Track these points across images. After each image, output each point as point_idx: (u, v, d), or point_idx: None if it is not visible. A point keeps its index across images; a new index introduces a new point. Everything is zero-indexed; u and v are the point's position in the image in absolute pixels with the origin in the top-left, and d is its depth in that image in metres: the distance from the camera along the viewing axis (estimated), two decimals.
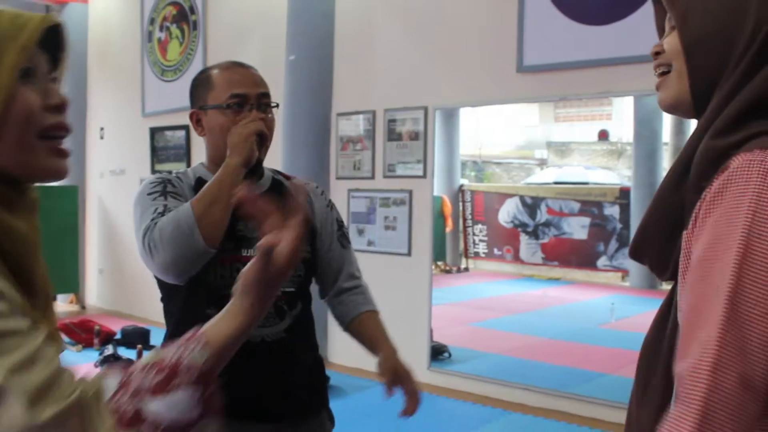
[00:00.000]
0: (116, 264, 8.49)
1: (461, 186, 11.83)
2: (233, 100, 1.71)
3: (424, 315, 5.19)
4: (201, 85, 1.79)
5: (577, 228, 10.17)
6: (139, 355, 5.67)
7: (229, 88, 1.72)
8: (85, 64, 8.95)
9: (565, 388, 4.68)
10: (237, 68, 1.79)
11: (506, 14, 4.75)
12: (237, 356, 1.58)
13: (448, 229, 11.51)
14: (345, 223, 2.02)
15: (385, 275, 5.12)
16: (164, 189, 1.71)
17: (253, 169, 1.76)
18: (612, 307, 7.48)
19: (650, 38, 1.17)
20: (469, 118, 12.00)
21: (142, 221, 1.67)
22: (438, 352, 5.56)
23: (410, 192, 5.40)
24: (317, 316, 1.91)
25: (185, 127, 7.40)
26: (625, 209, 9.77)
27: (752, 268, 0.84)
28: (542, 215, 10.61)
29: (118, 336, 6.56)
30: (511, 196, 11.21)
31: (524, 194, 11.07)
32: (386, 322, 5.67)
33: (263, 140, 1.72)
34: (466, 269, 11.92)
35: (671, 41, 1.06)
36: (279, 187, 1.83)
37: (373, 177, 5.65)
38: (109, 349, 5.92)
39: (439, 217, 10.86)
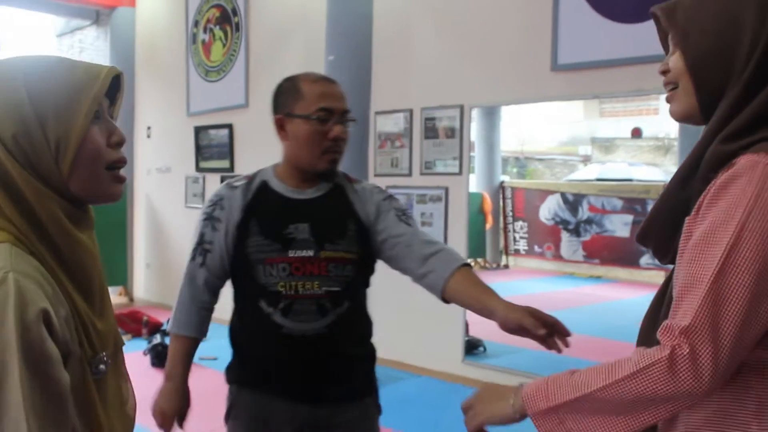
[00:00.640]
0: (162, 258, 8.74)
1: (502, 182, 11.79)
2: (320, 113, 1.84)
3: (458, 309, 5.25)
4: (289, 93, 1.90)
5: (620, 225, 10.08)
6: None
7: (318, 101, 1.85)
8: (132, 65, 9.19)
9: None
10: (326, 83, 1.91)
11: (541, 13, 4.81)
12: (281, 347, 1.82)
13: (488, 225, 11.48)
14: None
15: None
16: (212, 213, 1.92)
17: (324, 176, 1.93)
18: None
19: None
20: (511, 114, 11.96)
21: (193, 242, 1.97)
22: (473, 347, 5.64)
23: (446, 189, 5.49)
24: None
25: (228, 126, 7.60)
26: None
27: (739, 256, 0.96)
28: (584, 212, 10.54)
29: (164, 326, 6.78)
30: (552, 192, 11.14)
31: (565, 191, 10.99)
32: (422, 316, 5.78)
33: (341, 150, 1.89)
34: (506, 266, 11.89)
35: (675, 60, 1.14)
36: (337, 191, 1.95)
37: (410, 174, 5.75)
38: (157, 339, 6.13)
39: (479, 214, 10.86)
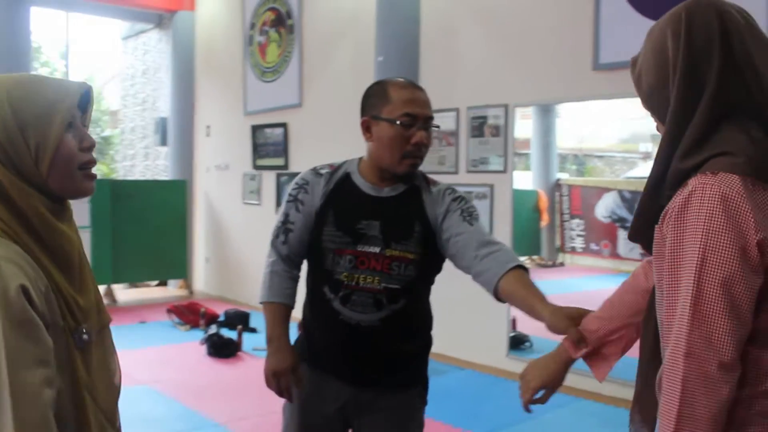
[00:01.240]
0: (221, 253, 9.04)
1: (558, 180, 11.73)
2: (405, 119, 1.92)
3: (503, 306, 5.34)
4: (377, 96, 1.99)
5: None
6: (240, 335, 6.13)
7: (404, 106, 1.93)
8: (192, 66, 9.52)
9: None
10: (413, 89, 1.99)
11: (582, 13, 4.88)
12: (340, 333, 2.00)
13: (544, 223, 11.44)
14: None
15: None
16: (297, 196, 2.05)
17: (403, 178, 2.01)
18: None
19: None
20: (569, 111, 11.88)
21: (277, 221, 2.09)
22: (519, 342, 5.72)
23: (491, 186, 5.60)
24: None
25: (283, 125, 7.83)
26: None
27: (708, 272, 1.09)
28: None
29: (221, 318, 7.06)
30: (609, 190, 11.01)
31: (623, 188, 10.88)
32: (467, 310, 5.91)
33: (422, 154, 1.97)
34: (562, 264, 11.84)
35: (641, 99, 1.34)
36: (412, 192, 2.02)
37: (456, 172, 5.87)
38: (213, 329, 6.39)
39: (535, 212, 10.84)
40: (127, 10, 10.09)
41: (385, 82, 2.03)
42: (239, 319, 6.73)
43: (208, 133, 9.35)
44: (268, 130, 8.11)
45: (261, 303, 2.09)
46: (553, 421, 4.41)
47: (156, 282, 9.84)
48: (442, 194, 2.04)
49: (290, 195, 2.06)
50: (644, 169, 12.59)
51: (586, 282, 10.13)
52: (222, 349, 5.97)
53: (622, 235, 10.75)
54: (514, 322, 5.59)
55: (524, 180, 9.08)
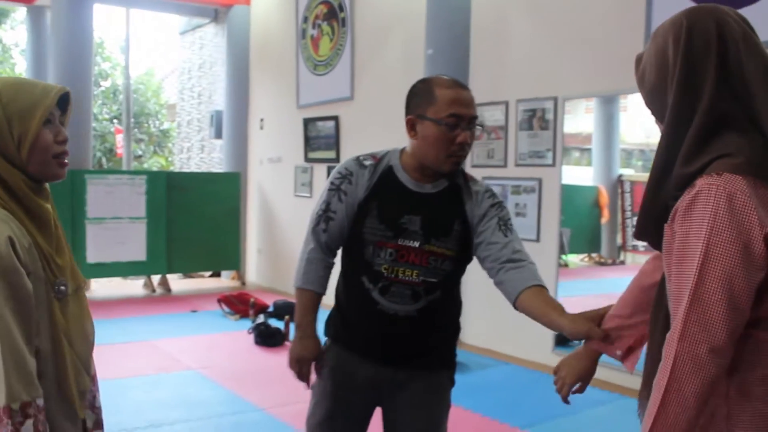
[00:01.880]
0: (273, 245, 9.16)
1: (620, 176, 11.51)
2: (450, 120, 1.94)
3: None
4: (422, 95, 2.01)
5: None
6: (287, 325, 6.22)
7: (449, 107, 1.94)
8: (247, 60, 9.66)
9: None
10: (458, 89, 2.00)
11: (634, 3, 4.78)
12: (375, 320, 2.06)
13: (604, 220, 11.25)
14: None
15: None
16: (339, 185, 2.07)
17: (448, 176, 2.05)
18: None
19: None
20: (635, 104, 11.62)
21: (316, 207, 2.13)
22: (566, 338, 5.66)
23: (540, 180, 5.55)
24: None
25: (335, 118, 7.89)
26: None
27: (710, 265, 1.17)
28: None
29: (270, 308, 7.17)
30: None
31: None
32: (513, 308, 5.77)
33: (465, 153, 2.01)
34: (623, 262, 11.62)
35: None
36: (452, 189, 2.07)
37: (505, 165, 5.84)
38: (261, 319, 6.49)
39: (594, 208, 10.67)
40: (185, 5, 10.30)
41: (431, 80, 2.05)
42: (287, 310, 6.81)
43: (261, 126, 9.48)
44: (319, 123, 8.18)
45: (295, 287, 2.16)
46: (593, 417, 4.35)
47: (209, 273, 10.02)
48: (481, 196, 2.08)
49: (333, 184, 2.08)
50: None
51: (626, 281, 9.89)
52: (269, 339, 6.06)
53: None
54: None
55: (585, 175, 8.95)
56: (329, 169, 7.99)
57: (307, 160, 8.43)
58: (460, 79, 6.23)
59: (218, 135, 10.19)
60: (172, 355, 5.66)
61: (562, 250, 5.76)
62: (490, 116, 5.95)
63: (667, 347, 1.21)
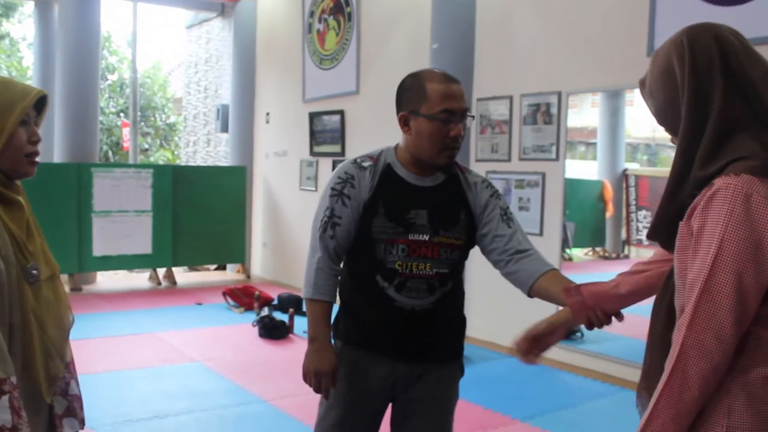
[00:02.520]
0: (278, 238, 9.19)
1: (625, 170, 11.49)
2: (443, 115, 1.99)
3: None
4: (414, 91, 2.04)
5: None
6: (291, 318, 6.25)
7: (443, 102, 1.98)
8: (254, 54, 9.68)
9: None
10: (449, 84, 2.03)
11: None
12: (391, 317, 2.08)
13: (609, 214, 11.24)
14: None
15: None
16: (342, 190, 2.07)
17: (445, 168, 2.10)
18: None
19: None
20: (641, 98, 11.57)
21: (317, 214, 2.11)
22: (571, 332, 5.68)
23: (543, 174, 5.56)
24: None
25: (340, 112, 7.90)
26: None
27: (722, 259, 1.24)
28: None
29: (274, 301, 7.20)
30: None
31: None
32: (517, 300, 5.91)
33: (459, 146, 2.04)
34: (627, 256, 11.61)
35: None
36: (452, 181, 2.12)
37: (509, 159, 5.85)
38: (266, 312, 6.52)
39: (599, 202, 10.66)
40: None
41: (421, 76, 2.06)
42: (292, 303, 6.85)
43: (267, 120, 9.50)
44: (325, 117, 8.20)
45: (305, 299, 2.12)
46: (594, 409, 4.38)
47: (214, 266, 10.06)
48: (479, 186, 2.15)
49: (334, 189, 2.08)
50: None
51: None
52: (273, 331, 6.09)
53: None
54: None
55: (590, 170, 8.95)
56: (335, 163, 8.01)
57: (313, 154, 8.45)
58: (465, 74, 6.29)
59: (224, 129, 10.22)
60: (176, 348, 5.71)
61: (566, 244, 5.77)
62: (494, 110, 5.96)
63: (677, 333, 1.27)
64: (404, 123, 2.06)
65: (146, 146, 20.87)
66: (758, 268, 1.23)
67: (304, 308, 2.19)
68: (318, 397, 2.18)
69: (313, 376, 2.07)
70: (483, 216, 2.10)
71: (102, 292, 8.12)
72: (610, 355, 5.09)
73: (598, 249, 11.00)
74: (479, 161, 6.05)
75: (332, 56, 8.08)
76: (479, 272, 2.20)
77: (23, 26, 20.05)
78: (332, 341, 2.16)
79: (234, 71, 9.84)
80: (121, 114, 19.90)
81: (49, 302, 1.57)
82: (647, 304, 1.76)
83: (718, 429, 1.26)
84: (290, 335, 6.13)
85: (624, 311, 1.90)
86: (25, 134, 1.54)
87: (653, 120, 1.49)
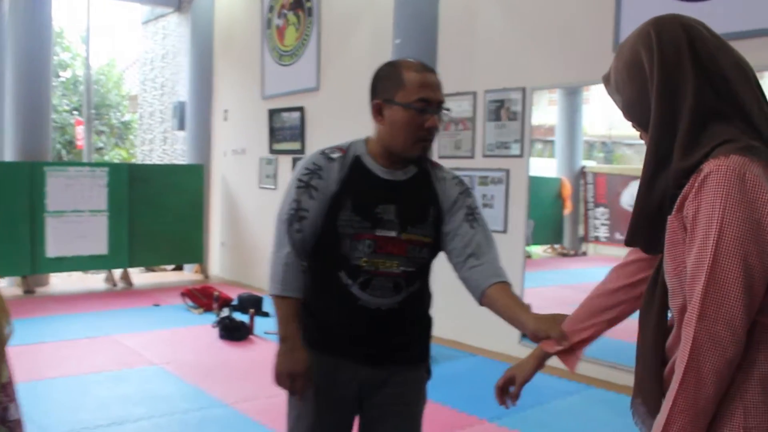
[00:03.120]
0: (236, 238, 9.05)
1: (583, 168, 11.60)
2: (419, 104, 1.90)
3: (516, 290, 5.30)
4: (390, 79, 1.94)
5: None
6: (251, 318, 6.13)
7: (419, 91, 1.90)
8: (211, 50, 9.52)
9: None
10: (426, 73, 1.95)
11: None
12: (359, 318, 1.97)
13: (567, 211, 11.34)
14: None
15: None
16: (309, 182, 1.96)
17: (416, 161, 2.01)
18: None
19: (751, 13, 1.51)
20: (598, 96, 11.73)
21: (283, 206, 2.00)
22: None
23: (507, 171, 5.54)
24: None
25: (300, 109, 7.80)
26: None
27: (724, 244, 1.17)
28: None
29: (234, 302, 7.07)
30: (635, 178, 10.90)
31: None
32: None
33: (433, 138, 1.97)
34: (585, 253, 11.72)
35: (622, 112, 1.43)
36: (422, 176, 2.03)
37: (473, 156, 5.82)
38: (225, 313, 6.39)
39: (557, 199, 10.74)
40: None
41: (398, 64, 1.98)
42: (252, 303, 6.73)
43: (225, 118, 9.35)
44: (285, 114, 8.09)
45: (272, 296, 2.00)
46: (562, 408, 4.36)
47: (172, 266, 9.88)
48: (449, 182, 2.06)
49: (300, 180, 1.99)
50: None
51: (606, 272, 9.99)
52: (233, 332, 5.97)
53: None
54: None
55: (548, 167, 9.01)
56: (294, 161, 7.91)
57: (272, 151, 8.34)
58: None
59: (181, 126, 10.03)
60: (134, 350, 5.55)
61: (526, 242, 5.76)
62: (457, 107, 5.92)
63: (686, 329, 1.21)
64: (378, 112, 1.97)
65: (101, 145, 20.48)
66: (761, 249, 1.17)
67: (265, 308, 2.08)
68: (284, 402, 2.08)
69: (287, 378, 1.97)
70: (449, 213, 2.02)
71: (56, 295, 7.87)
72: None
73: (556, 246, 11.09)
74: (442, 158, 6.01)
75: (292, 52, 7.97)
76: (443, 270, 2.11)
77: None
78: None
79: (191, 68, 9.66)
80: (75, 112, 19.47)
81: None
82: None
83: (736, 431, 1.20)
84: (251, 336, 6.00)
85: None
86: None
87: (609, 118, 1.43)
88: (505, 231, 5.54)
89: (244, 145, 8.93)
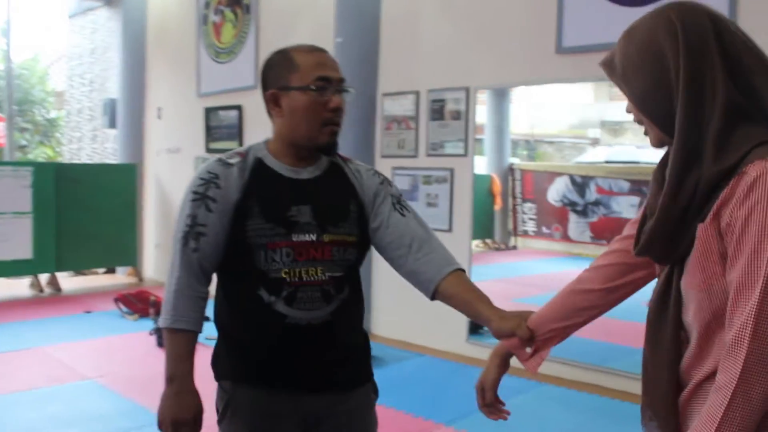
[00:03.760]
0: (171, 239, 8.78)
1: (511, 165, 11.80)
2: (319, 83, 1.73)
3: None
4: (281, 65, 1.78)
5: (627, 207, 10.08)
6: None
7: (315, 70, 1.74)
8: (143, 46, 9.22)
9: (601, 363, 4.73)
10: (320, 52, 1.80)
11: None
12: (286, 337, 1.74)
13: (497, 207, 11.52)
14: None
15: None
16: (205, 192, 1.74)
17: (325, 150, 1.82)
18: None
19: None
20: (521, 97, 11.96)
21: (178, 225, 1.80)
22: (479, 326, 5.64)
23: (452, 170, 5.50)
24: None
25: (238, 107, 7.62)
26: None
27: None
28: (591, 194, 10.55)
29: None
30: (560, 174, 11.15)
31: (574, 173, 11.02)
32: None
33: (340, 121, 1.79)
34: (514, 247, 11.93)
35: (629, 102, 1.29)
36: (335, 170, 1.87)
37: (416, 155, 5.77)
38: None
39: (488, 196, 10.88)
40: None
41: (286, 50, 1.81)
42: None
43: (159, 116, 9.08)
44: (222, 113, 7.89)
45: (163, 328, 1.75)
46: (516, 407, 4.28)
47: (104, 269, 9.54)
48: (365, 174, 1.90)
49: (196, 193, 1.75)
50: (593, 155, 12.77)
51: (538, 265, 10.21)
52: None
53: (573, 218, 10.87)
54: None
55: (478, 164, 9.11)
56: None
57: (209, 150, 8.12)
58: (370, 69, 6.17)
59: (112, 125, 9.69)
60: (65, 363, 5.25)
61: (470, 241, 5.75)
62: (400, 106, 5.85)
63: (736, 346, 1.10)
64: (274, 103, 1.78)
65: (24, 143, 19.72)
66: None
67: (206, 312, 1.87)
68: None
69: (170, 426, 1.72)
70: (373, 206, 1.84)
71: None
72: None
73: (488, 240, 11.27)
74: (385, 157, 5.94)
75: (229, 49, 7.77)
76: (384, 265, 1.98)
77: None
78: (218, 383, 1.83)
79: (122, 64, 9.35)
80: None
81: None
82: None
83: None
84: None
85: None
86: None
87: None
88: (450, 230, 5.50)
89: (178, 144, 8.69)
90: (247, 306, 1.76)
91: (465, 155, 5.43)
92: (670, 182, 1.21)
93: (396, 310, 5.79)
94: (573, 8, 4.64)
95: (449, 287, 1.75)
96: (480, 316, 1.69)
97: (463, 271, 1.81)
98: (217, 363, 1.85)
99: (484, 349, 5.28)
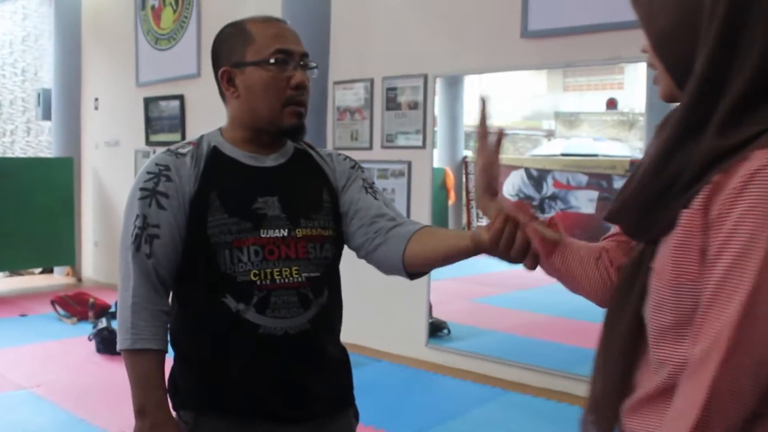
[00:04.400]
0: (112, 236, 8.41)
1: (464, 158, 11.66)
2: (279, 56, 1.53)
3: (422, 290, 5.03)
4: (235, 39, 1.58)
5: (585, 202, 9.99)
6: None
7: (274, 42, 1.54)
8: (78, 32, 8.81)
9: (569, 368, 4.53)
10: (278, 23, 1.59)
11: None
12: (264, 353, 1.46)
13: (451, 201, 11.38)
14: None
15: None
16: (155, 188, 1.51)
17: (291, 134, 1.61)
18: None
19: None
20: (474, 87, 11.82)
21: (125, 229, 1.53)
22: (437, 329, 5.43)
23: (409, 163, 5.24)
24: None
25: (179, 97, 7.28)
26: None
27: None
28: (548, 188, 10.44)
29: (112, 309, 6.48)
30: (516, 168, 11.04)
31: (530, 166, 10.90)
32: (383, 296, 5.51)
33: (305, 100, 1.58)
34: None
35: (646, 41, 1.09)
36: (302, 156, 1.67)
37: (371, 147, 5.49)
38: (103, 323, 5.86)
39: (442, 189, 10.73)
40: None
41: (241, 21, 1.60)
42: None
43: (96, 107, 8.68)
44: (162, 103, 7.53)
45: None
46: (482, 416, 4.13)
47: (39, 269, 9.18)
48: (335, 158, 1.72)
49: (144, 190, 1.52)
50: (548, 147, 12.72)
51: (492, 262, 9.93)
52: (114, 345, 5.36)
53: None
54: (430, 308, 5.27)
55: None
56: None
57: (149, 143, 7.76)
58: (320, 55, 5.79)
59: (46, 116, 9.29)
60: None
61: None
62: (353, 95, 5.56)
63: (702, 367, 0.91)
64: (228, 82, 1.57)
65: None
66: None
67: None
68: None
69: None
70: (344, 192, 1.65)
71: None
72: (482, 353, 4.87)
73: None
74: (338, 149, 5.60)
75: (169, 35, 7.39)
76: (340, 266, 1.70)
77: None
78: (177, 414, 1.58)
79: (56, 52, 8.90)
80: None
81: None
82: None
83: None
84: None
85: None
86: None
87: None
88: None
89: (117, 136, 8.31)
90: (210, 318, 1.53)
91: (423, 147, 5.17)
92: (661, 149, 1.03)
93: (351, 312, 5.49)
94: None
95: (415, 245, 1.54)
96: (458, 246, 1.50)
97: (431, 226, 1.62)
98: (174, 390, 1.60)
99: (444, 354, 5.04)
